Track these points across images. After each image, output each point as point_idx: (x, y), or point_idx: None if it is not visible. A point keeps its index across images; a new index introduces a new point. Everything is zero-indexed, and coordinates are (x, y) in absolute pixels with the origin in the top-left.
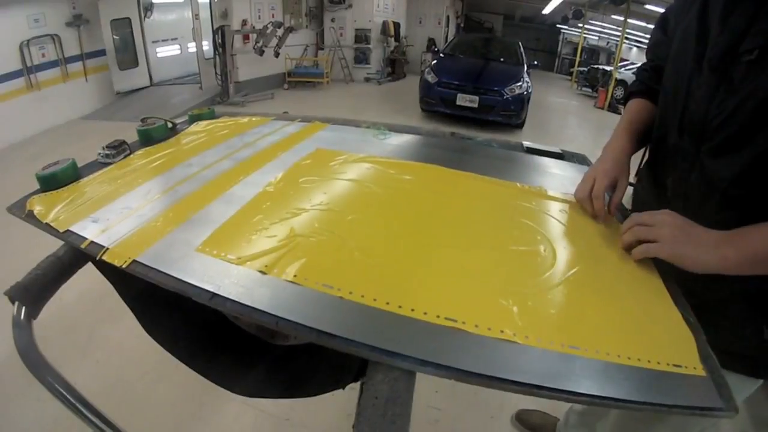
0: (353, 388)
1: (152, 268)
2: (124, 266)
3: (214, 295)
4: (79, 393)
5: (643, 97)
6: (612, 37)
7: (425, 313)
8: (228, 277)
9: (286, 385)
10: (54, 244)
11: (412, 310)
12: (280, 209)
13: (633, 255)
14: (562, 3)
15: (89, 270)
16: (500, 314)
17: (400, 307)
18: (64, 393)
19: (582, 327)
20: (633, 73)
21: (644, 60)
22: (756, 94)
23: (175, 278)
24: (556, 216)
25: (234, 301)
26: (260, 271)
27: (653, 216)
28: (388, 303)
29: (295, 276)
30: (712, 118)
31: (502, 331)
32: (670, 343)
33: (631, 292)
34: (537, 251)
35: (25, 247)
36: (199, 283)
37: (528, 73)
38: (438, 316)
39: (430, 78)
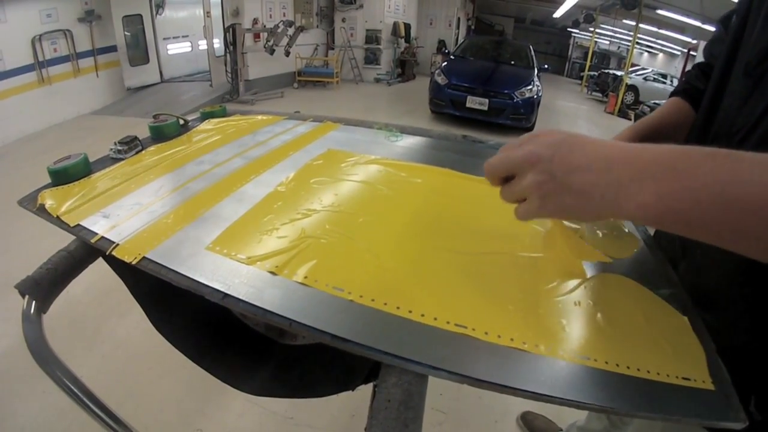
0: (359, 389)
1: (163, 265)
2: (134, 262)
3: (226, 294)
4: (87, 387)
5: (683, 98)
6: (623, 42)
7: (435, 319)
8: (238, 277)
9: (294, 384)
10: (64, 238)
11: (423, 315)
12: (291, 210)
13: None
14: (573, 7)
15: (97, 264)
16: (511, 322)
17: (410, 312)
18: (72, 387)
19: (592, 337)
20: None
21: (656, 67)
22: None
23: (187, 277)
24: (567, 223)
25: (246, 302)
26: (270, 272)
27: (515, 152)
28: (398, 307)
29: (305, 277)
30: (736, 131)
31: (512, 339)
32: (680, 356)
33: (642, 302)
34: (548, 258)
35: (34, 241)
36: (209, 282)
37: (538, 77)
38: (448, 322)
39: (440, 80)
